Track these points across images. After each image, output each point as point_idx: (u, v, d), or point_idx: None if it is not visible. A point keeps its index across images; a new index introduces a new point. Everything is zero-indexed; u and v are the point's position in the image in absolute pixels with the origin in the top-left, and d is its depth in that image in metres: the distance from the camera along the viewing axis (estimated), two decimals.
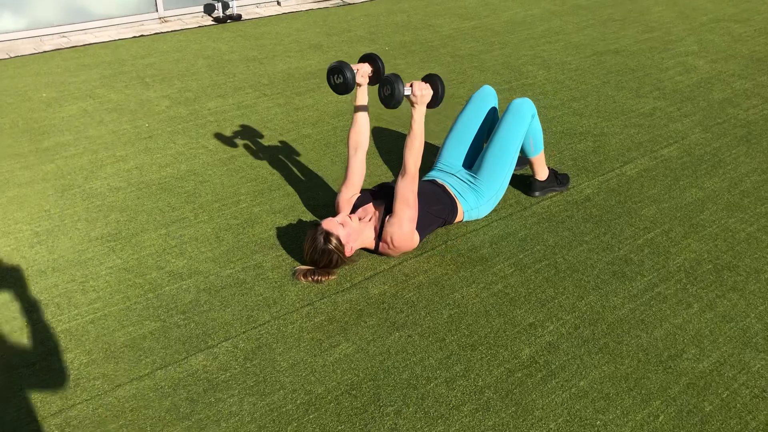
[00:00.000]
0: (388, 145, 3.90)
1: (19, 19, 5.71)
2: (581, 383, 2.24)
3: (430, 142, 3.91)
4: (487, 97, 3.24)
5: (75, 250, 2.93)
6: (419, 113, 2.71)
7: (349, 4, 7.13)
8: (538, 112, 4.30)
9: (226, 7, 6.57)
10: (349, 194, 2.96)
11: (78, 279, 2.75)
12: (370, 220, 2.86)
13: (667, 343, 2.41)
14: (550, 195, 3.36)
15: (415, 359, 2.35)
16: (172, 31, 6.15)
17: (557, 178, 3.37)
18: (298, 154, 3.77)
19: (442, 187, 3.04)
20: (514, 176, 3.49)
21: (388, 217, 2.79)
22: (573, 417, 2.12)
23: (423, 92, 2.67)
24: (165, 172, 3.59)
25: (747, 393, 2.20)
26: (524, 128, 3.06)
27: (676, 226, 3.10)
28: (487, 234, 3.05)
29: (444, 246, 2.96)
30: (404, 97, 2.65)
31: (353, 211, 2.94)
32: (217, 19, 6.44)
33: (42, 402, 2.16)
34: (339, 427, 2.08)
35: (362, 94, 2.94)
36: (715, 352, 2.37)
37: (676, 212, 3.21)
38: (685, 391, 2.21)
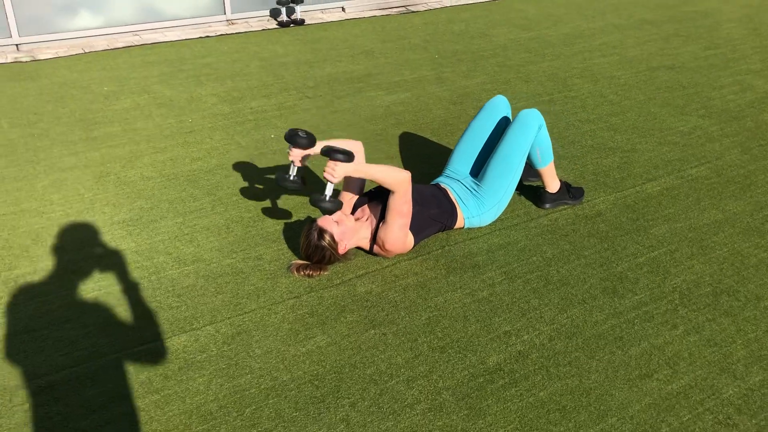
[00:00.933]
0: (413, 150, 3.97)
1: (97, 18, 6.12)
2: (541, 394, 2.25)
3: (447, 146, 3.96)
4: (498, 107, 3.26)
5: (97, 233, 3.15)
6: (361, 174, 2.70)
7: (413, 11, 7.23)
8: (574, 125, 4.27)
9: (291, 11, 6.80)
10: (348, 196, 3.05)
11: (92, 258, 2.96)
12: (367, 220, 2.94)
13: (641, 362, 2.37)
14: (561, 208, 3.34)
15: (383, 356, 2.41)
16: (236, 33, 6.42)
17: (569, 192, 3.34)
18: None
19: (444, 192, 3.09)
20: (526, 187, 3.49)
21: (381, 223, 2.86)
22: (524, 425, 2.13)
23: (338, 170, 2.66)
24: (195, 165, 3.79)
25: (710, 418, 2.15)
26: (530, 139, 3.07)
27: (683, 247, 3.03)
28: (486, 242, 3.07)
29: (441, 251, 3.01)
30: (334, 195, 2.69)
31: (353, 211, 3.03)
32: (281, 23, 6.68)
33: (34, 366, 2.36)
34: (294, 414, 2.17)
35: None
36: (689, 375, 2.32)
37: (688, 233, 3.13)
38: (645, 411, 2.17)
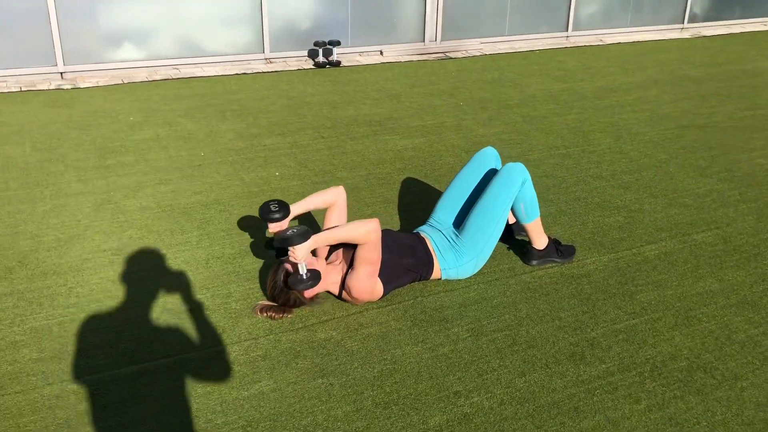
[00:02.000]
0: (412, 195, 3.93)
1: (140, 51, 6.36)
2: None
3: (440, 189, 3.90)
4: (487, 159, 3.20)
5: (81, 258, 3.22)
6: (323, 243, 2.71)
7: (451, 58, 7.25)
8: (584, 181, 4.16)
9: (328, 53, 6.92)
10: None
11: (69, 284, 3.01)
12: (339, 264, 2.90)
13: None
14: (548, 266, 3.23)
15: (323, 408, 2.35)
16: (272, 71, 6.57)
17: (558, 250, 3.23)
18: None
19: (423, 241, 3.03)
20: (517, 243, 3.40)
21: (350, 269, 2.82)
22: None
23: (298, 253, 2.64)
24: (194, 199, 3.85)
25: None
26: (512, 194, 2.99)
27: (668, 316, 2.87)
28: (461, 295, 2.98)
29: (412, 301, 2.94)
30: (310, 273, 2.70)
31: (330, 253, 3.00)
32: (317, 64, 6.79)
33: None
34: None
35: (302, 209, 2.98)
36: None
37: (676, 302, 2.97)
38: None
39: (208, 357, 2.58)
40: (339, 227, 2.72)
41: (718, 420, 2.32)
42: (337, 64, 6.80)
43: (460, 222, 3.16)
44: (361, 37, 7.19)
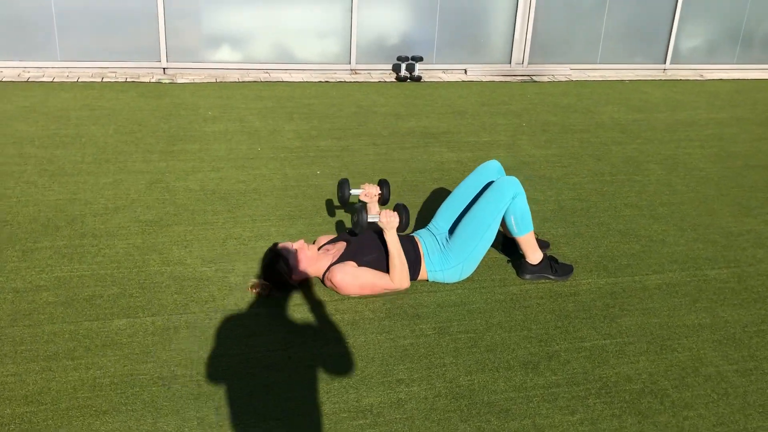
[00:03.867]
0: (434, 204, 4.07)
1: (235, 54, 6.89)
2: None
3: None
4: (489, 171, 3.31)
5: (119, 226, 3.62)
6: (390, 237, 3.01)
7: (535, 81, 7.29)
8: (615, 208, 4.14)
9: (410, 68, 7.16)
10: (330, 236, 3.26)
11: (100, 245, 3.41)
12: (331, 252, 3.12)
13: None
14: (541, 281, 3.28)
15: (274, 376, 2.56)
16: (354, 81, 6.89)
17: (552, 267, 3.27)
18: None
19: (415, 244, 3.18)
20: (519, 256, 3.46)
21: (352, 260, 3.03)
22: None
23: (389, 219, 2.98)
24: (236, 187, 4.19)
25: None
26: (501, 206, 3.08)
27: (642, 342, 2.86)
28: (442, 297, 3.11)
29: (394, 296, 3.09)
30: (371, 224, 3.03)
31: (325, 243, 3.22)
32: (398, 78, 7.05)
33: (1, 321, 2.81)
34: (164, 403, 2.39)
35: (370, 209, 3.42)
36: None
37: (657, 330, 2.95)
38: None
39: (191, 320, 2.86)
40: (401, 255, 3.03)
41: None
42: (418, 79, 7.03)
43: (454, 229, 3.28)
44: (447, 55, 7.38)
